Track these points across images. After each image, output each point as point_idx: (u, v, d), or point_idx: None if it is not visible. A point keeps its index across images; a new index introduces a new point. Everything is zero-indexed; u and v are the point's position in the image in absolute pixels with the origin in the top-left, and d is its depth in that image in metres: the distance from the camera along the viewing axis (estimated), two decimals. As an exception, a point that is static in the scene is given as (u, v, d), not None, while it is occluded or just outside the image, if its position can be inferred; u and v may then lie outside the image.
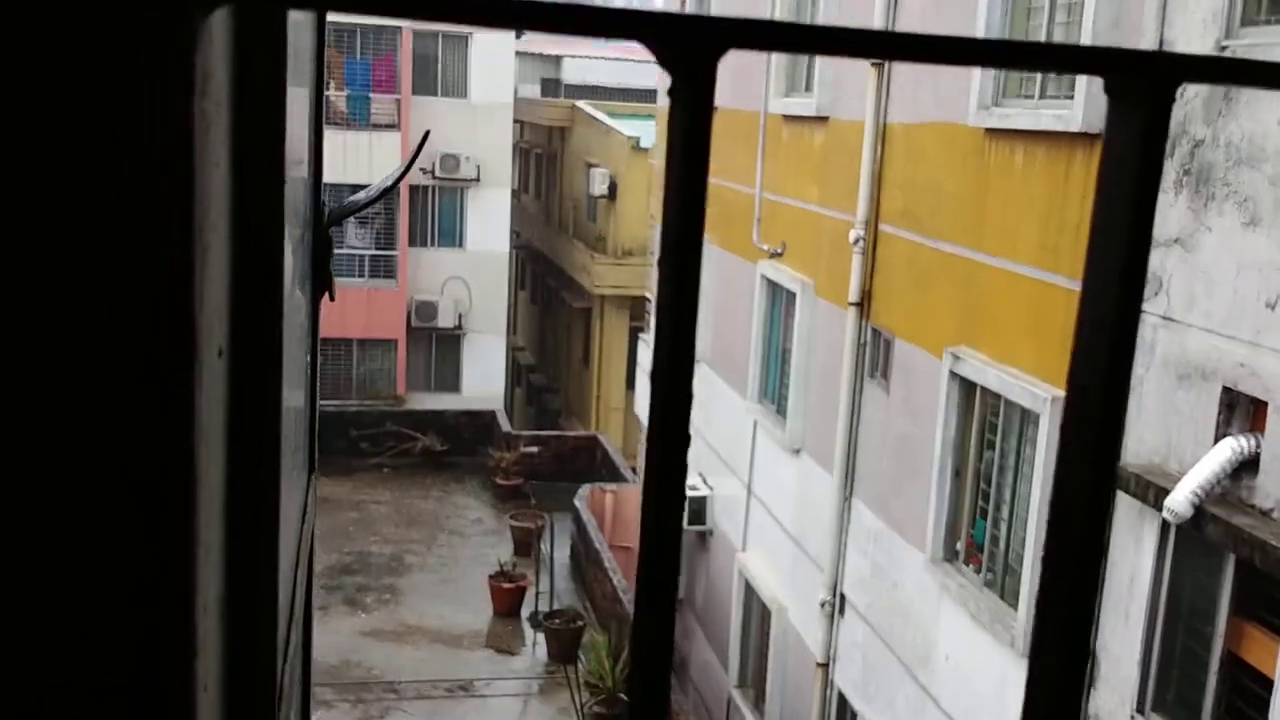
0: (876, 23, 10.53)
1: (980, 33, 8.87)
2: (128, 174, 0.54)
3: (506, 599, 18.17)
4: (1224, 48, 6.57)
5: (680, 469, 0.50)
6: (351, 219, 25.80)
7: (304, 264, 1.93)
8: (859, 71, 10.94)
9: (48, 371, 0.56)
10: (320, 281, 1.90)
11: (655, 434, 0.50)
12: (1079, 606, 0.53)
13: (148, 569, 0.59)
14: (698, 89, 0.48)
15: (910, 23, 10.21)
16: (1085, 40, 7.66)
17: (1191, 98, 6.76)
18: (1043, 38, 8.41)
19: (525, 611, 18.20)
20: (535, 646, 17.42)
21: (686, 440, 0.50)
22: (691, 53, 0.47)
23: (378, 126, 26.11)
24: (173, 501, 0.59)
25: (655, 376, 0.51)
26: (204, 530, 0.71)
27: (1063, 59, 0.59)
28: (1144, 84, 0.51)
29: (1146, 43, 7.12)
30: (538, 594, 18.07)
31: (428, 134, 2.88)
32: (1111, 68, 0.52)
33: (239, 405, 0.88)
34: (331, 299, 1.97)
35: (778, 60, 13.06)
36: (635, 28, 0.48)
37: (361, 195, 2.50)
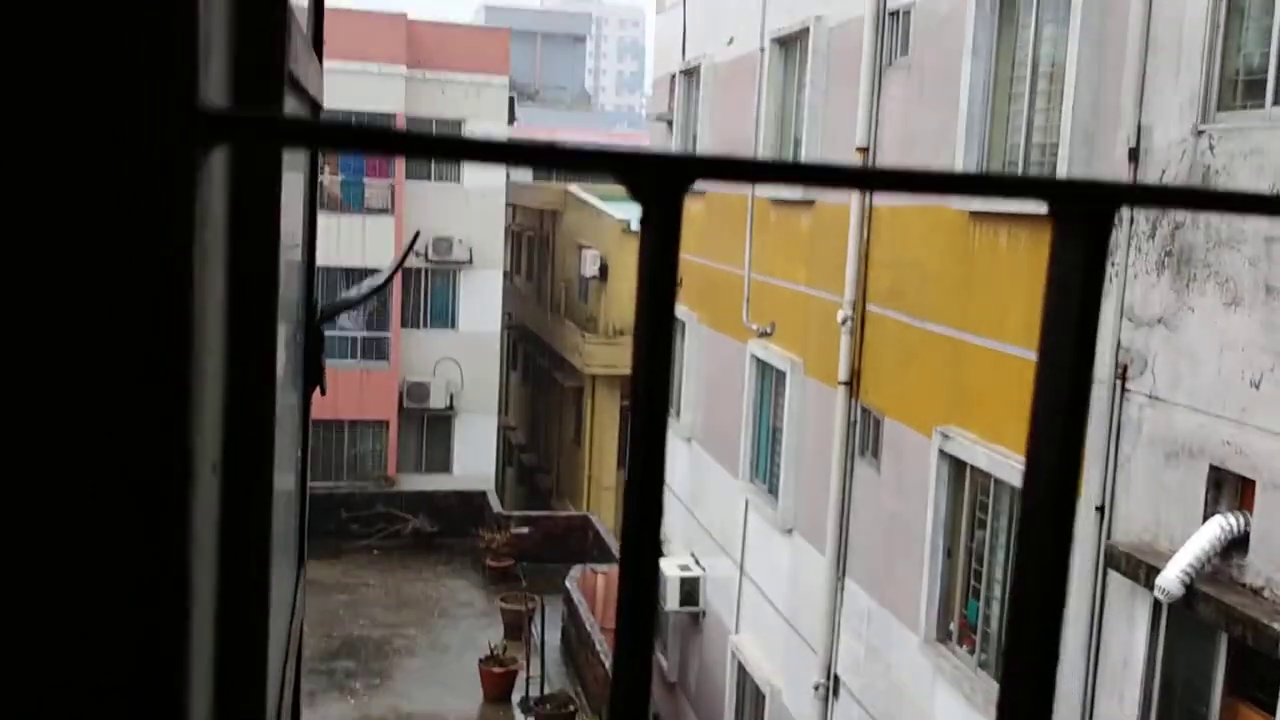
0: (861, 114, 10.72)
1: (961, 121, 9.04)
2: (129, 311, 0.56)
3: (497, 683, 17.95)
4: (1200, 131, 6.71)
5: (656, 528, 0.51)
6: (343, 301, 25.83)
7: (296, 360, 1.96)
8: (845, 155, 11.11)
9: (49, 494, 0.57)
10: (311, 376, 1.94)
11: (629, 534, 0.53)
12: (1042, 681, 0.54)
13: (142, 678, 0.60)
14: (666, 217, 0.51)
15: (894, 110, 10.40)
16: (1065, 125, 7.81)
17: (1171, 179, 6.88)
18: (1023, 124, 8.57)
19: (516, 696, 17.96)
20: (527, 732, 17.18)
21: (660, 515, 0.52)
22: (659, 185, 0.51)
23: (371, 211, 26.34)
24: (167, 617, 0.61)
25: (628, 503, 0.53)
26: (196, 636, 0.73)
27: (1008, 186, 0.63)
28: (1085, 209, 0.54)
29: (1125, 128, 7.27)
30: (529, 678, 17.85)
31: (417, 235, 2.93)
32: (1053, 194, 0.55)
33: (230, 515, 0.91)
34: (323, 393, 2.00)
35: (765, 144, 13.26)
36: (609, 164, 0.51)
37: (353, 292, 2.55)
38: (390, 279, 2.65)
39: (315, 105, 1.80)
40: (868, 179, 0.58)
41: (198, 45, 0.59)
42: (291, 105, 1.33)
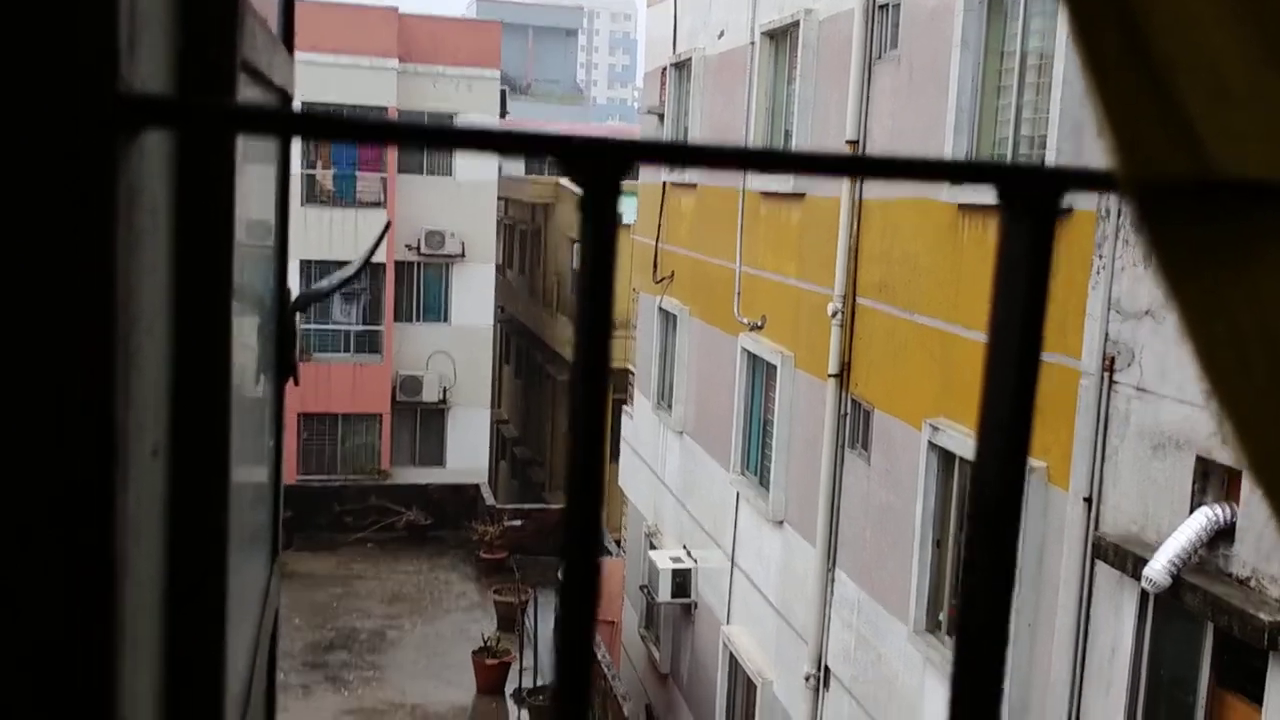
0: (850, 106, 10.73)
1: (950, 113, 9.04)
2: (42, 288, 0.56)
3: (490, 675, 17.98)
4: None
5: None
6: (338, 296, 25.86)
7: (268, 350, 1.96)
8: (835, 146, 11.11)
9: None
10: (284, 367, 1.94)
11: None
12: (992, 660, 0.55)
13: (68, 672, 0.59)
14: (603, 200, 0.52)
15: (883, 102, 10.41)
16: (1054, 115, 7.82)
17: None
18: (1011, 116, 8.58)
19: (510, 688, 18.00)
20: (520, 724, 17.22)
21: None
22: (598, 170, 0.51)
23: (363, 204, 26.31)
24: (92, 599, 0.60)
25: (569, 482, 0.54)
26: (132, 625, 0.73)
27: (956, 171, 0.62)
28: (1032, 193, 0.55)
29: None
30: (522, 670, 17.88)
31: (389, 225, 2.94)
32: (1001, 179, 0.56)
33: (181, 503, 0.92)
34: (296, 384, 2.01)
35: (756, 136, 13.27)
36: (549, 148, 0.52)
37: (324, 283, 2.56)
38: (361, 269, 2.66)
39: (285, 96, 1.80)
40: (812, 163, 0.58)
41: (118, 31, 0.60)
42: (251, 95, 1.33)
